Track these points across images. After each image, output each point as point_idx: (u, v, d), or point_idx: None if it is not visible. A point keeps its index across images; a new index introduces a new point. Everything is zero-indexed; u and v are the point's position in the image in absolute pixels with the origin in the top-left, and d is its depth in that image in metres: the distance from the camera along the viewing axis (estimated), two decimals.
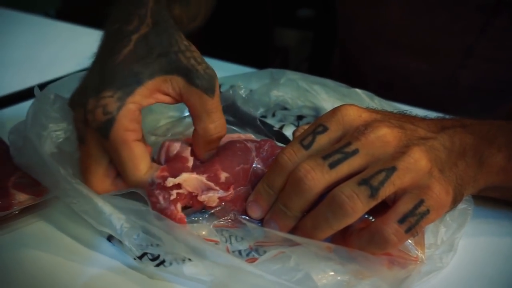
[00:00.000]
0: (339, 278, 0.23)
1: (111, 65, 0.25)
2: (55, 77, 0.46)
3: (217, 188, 0.27)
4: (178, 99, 0.27)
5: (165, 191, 0.25)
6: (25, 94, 0.43)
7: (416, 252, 0.25)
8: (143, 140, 0.27)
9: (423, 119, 0.27)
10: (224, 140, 0.29)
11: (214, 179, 0.27)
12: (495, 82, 0.49)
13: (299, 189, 0.23)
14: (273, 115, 0.39)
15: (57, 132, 0.30)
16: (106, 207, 0.24)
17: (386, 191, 0.22)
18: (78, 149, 0.27)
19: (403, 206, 0.22)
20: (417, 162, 0.23)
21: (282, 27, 1.93)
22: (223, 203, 0.27)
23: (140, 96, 0.25)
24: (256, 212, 0.26)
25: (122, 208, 0.25)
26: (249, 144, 0.29)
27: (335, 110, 0.25)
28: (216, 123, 0.27)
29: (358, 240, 0.24)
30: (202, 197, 0.26)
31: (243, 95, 0.38)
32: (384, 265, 0.24)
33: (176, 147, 0.29)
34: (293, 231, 0.25)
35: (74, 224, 0.27)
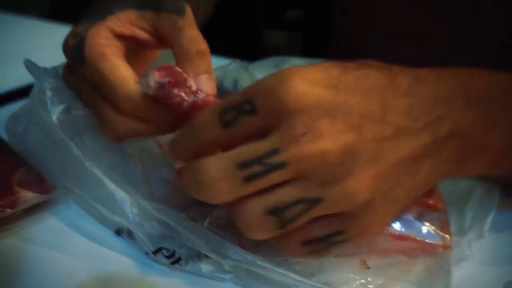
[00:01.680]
0: (368, 281, 0.22)
1: (89, 10, 0.26)
2: None
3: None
4: (154, 33, 0.25)
5: (183, 86, 0.21)
6: (17, 93, 0.41)
7: (444, 238, 0.23)
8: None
9: (412, 88, 0.20)
10: None
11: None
12: (485, 67, 0.49)
13: (196, 191, 0.19)
14: None
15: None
16: (118, 193, 0.23)
17: (298, 223, 0.19)
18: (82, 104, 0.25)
19: (316, 231, 0.19)
20: (352, 197, 0.18)
21: (271, 29, 1.94)
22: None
23: (111, 23, 0.24)
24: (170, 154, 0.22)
25: (135, 195, 0.24)
26: None
27: (274, 85, 0.18)
28: (190, 39, 0.23)
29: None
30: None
31: (247, 86, 0.37)
32: (411, 256, 0.23)
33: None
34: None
35: (82, 221, 0.26)
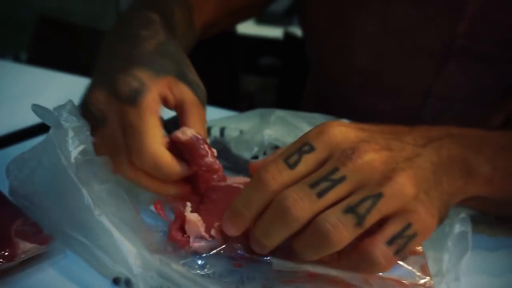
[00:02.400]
0: None
1: (137, 53, 0.29)
2: (34, 123, 0.45)
3: (210, 239, 0.27)
4: (176, 104, 0.30)
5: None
6: (6, 140, 0.42)
7: (425, 280, 0.26)
8: None
9: (410, 130, 0.27)
10: (224, 191, 0.30)
11: (208, 229, 0.27)
12: (450, 119, 0.54)
13: (285, 219, 0.22)
14: (264, 153, 0.40)
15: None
16: (124, 244, 0.24)
17: (372, 218, 0.22)
18: (95, 136, 0.27)
19: (391, 229, 0.23)
20: (403, 188, 0.23)
21: (246, 74, 2.01)
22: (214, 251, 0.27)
23: (161, 85, 0.28)
24: (229, 230, 0.25)
25: (139, 246, 0.24)
26: None
27: (322, 129, 0.25)
28: (203, 132, 0.30)
29: (348, 261, 0.24)
30: (195, 245, 0.27)
31: (234, 136, 0.39)
32: None
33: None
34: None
35: (80, 272, 0.26)
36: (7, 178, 0.29)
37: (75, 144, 0.27)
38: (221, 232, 0.27)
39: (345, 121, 0.29)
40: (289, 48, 1.67)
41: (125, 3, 2.26)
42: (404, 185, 0.23)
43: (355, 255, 0.23)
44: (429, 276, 0.26)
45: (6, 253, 0.24)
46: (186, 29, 0.44)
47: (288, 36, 1.62)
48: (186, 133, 0.27)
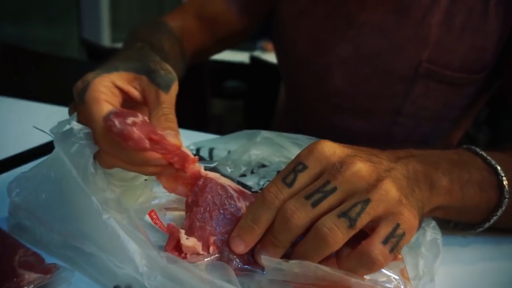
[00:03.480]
0: None
1: (101, 66, 0.32)
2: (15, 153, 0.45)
3: (205, 253, 0.29)
4: (143, 95, 0.32)
5: (121, 117, 0.27)
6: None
7: (405, 283, 0.28)
8: None
9: (382, 151, 0.31)
10: (218, 190, 0.31)
11: (205, 246, 0.29)
12: (419, 135, 0.60)
13: (287, 227, 0.26)
14: (252, 172, 0.42)
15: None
16: (130, 244, 0.25)
17: (363, 221, 0.26)
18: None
19: (384, 230, 0.26)
20: (388, 193, 0.27)
21: (214, 97, 2.04)
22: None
23: (114, 76, 0.31)
24: (239, 247, 0.28)
25: (145, 246, 0.26)
26: (239, 204, 0.31)
27: (312, 148, 0.29)
28: (166, 115, 0.31)
29: (347, 262, 0.27)
30: (193, 260, 0.28)
31: (223, 156, 0.42)
32: None
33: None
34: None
35: None
36: (8, 196, 0.30)
37: (85, 155, 0.28)
38: (217, 246, 0.29)
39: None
40: (255, 72, 1.73)
41: (88, 31, 2.24)
42: (388, 191, 0.27)
43: (354, 256, 0.26)
44: (408, 279, 0.29)
45: (12, 285, 0.25)
46: (176, 57, 0.48)
47: (254, 60, 1.67)
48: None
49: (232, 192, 0.32)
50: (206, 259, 0.28)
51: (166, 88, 0.31)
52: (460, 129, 0.65)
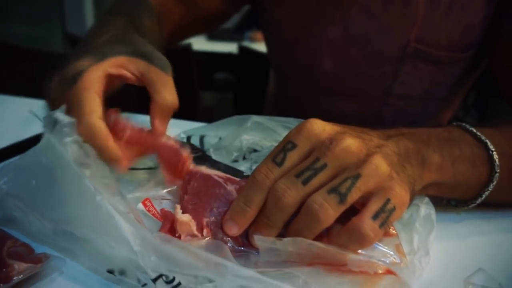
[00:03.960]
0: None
1: (91, 46, 0.33)
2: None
3: (199, 235, 0.29)
4: (140, 77, 0.32)
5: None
6: None
7: (401, 258, 0.28)
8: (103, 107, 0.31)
9: (372, 130, 0.31)
10: (204, 179, 0.32)
11: (199, 227, 0.29)
12: (409, 115, 0.60)
13: (279, 206, 0.26)
14: (244, 158, 0.42)
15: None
16: (124, 225, 0.25)
17: (353, 196, 0.26)
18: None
19: (374, 205, 0.26)
20: (378, 168, 0.27)
21: (203, 90, 2.03)
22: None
23: (107, 64, 0.31)
24: (232, 229, 0.28)
25: (139, 226, 0.26)
26: (229, 187, 0.31)
27: (301, 127, 0.28)
28: (172, 95, 0.32)
29: (338, 238, 0.27)
30: (187, 238, 0.28)
31: (214, 143, 0.41)
32: (379, 276, 0.27)
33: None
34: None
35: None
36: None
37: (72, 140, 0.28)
38: (211, 228, 0.29)
39: None
40: (244, 63, 1.72)
41: (72, 26, 2.20)
42: (378, 166, 0.27)
43: (345, 232, 0.26)
44: (403, 254, 0.29)
45: (2, 275, 0.24)
46: (155, 36, 0.48)
47: (242, 50, 1.66)
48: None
49: (218, 178, 0.32)
50: (200, 241, 0.28)
51: (167, 70, 0.32)
52: (449, 109, 0.66)
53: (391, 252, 0.28)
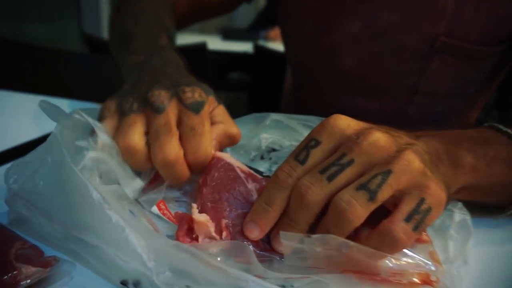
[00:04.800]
0: None
1: (185, 74, 0.36)
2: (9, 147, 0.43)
3: (218, 238, 0.27)
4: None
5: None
6: None
7: (437, 267, 0.26)
8: None
9: (399, 129, 0.29)
10: (226, 170, 0.30)
11: (218, 229, 0.27)
12: (435, 113, 0.57)
13: (303, 205, 0.24)
14: (262, 157, 0.40)
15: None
16: (135, 237, 0.23)
17: (384, 194, 0.24)
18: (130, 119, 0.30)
19: (407, 206, 0.24)
20: (411, 164, 0.25)
21: (216, 90, 2.01)
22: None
23: (211, 102, 0.33)
24: (253, 231, 0.26)
25: (153, 241, 0.24)
26: (249, 185, 0.30)
27: (324, 123, 0.27)
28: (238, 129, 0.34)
29: (367, 242, 0.24)
30: (205, 241, 0.26)
31: None
32: (414, 286, 0.25)
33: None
34: None
35: None
36: (5, 183, 0.28)
37: (82, 143, 0.27)
38: (230, 231, 0.27)
39: None
40: (259, 62, 1.70)
41: (88, 26, 2.22)
42: (411, 161, 0.25)
43: (375, 236, 0.24)
44: (439, 263, 0.26)
45: (9, 279, 0.23)
46: (172, 31, 0.48)
47: (258, 49, 1.64)
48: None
49: (240, 173, 0.30)
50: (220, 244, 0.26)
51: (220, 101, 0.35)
52: (475, 108, 0.62)
53: (426, 260, 0.26)
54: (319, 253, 0.24)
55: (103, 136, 0.28)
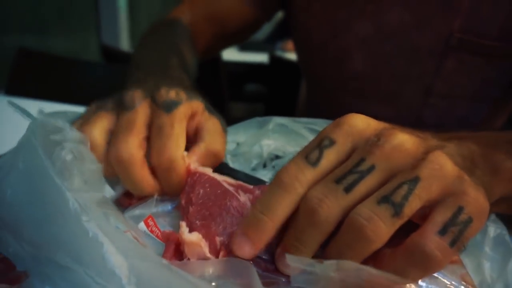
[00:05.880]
0: None
1: (164, 81, 0.32)
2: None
3: (212, 257, 0.23)
4: (195, 129, 0.31)
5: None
6: None
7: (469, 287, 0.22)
8: None
9: (423, 131, 0.25)
10: (212, 185, 0.26)
11: (213, 248, 0.23)
12: (454, 118, 0.53)
13: (313, 221, 0.20)
14: (264, 165, 0.36)
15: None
16: (115, 257, 0.19)
17: (412, 207, 0.19)
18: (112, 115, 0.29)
19: (441, 216, 0.19)
20: (443, 168, 0.20)
21: (233, 101, 2.00)
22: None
23: (194, 107, 0.30)
24: (243, 248, 0.21)
25: (136, 260, 0.20)
26: (242, 198, 0.26)
27: (340, 121, 0.22)
28: (222, 146, 0.31)
29: (392, 263, 0.20)
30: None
31: (231, 149, 0.36)
32: None
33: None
34: None
35: None
36: None
37: (61, 146, 0.23)
38: (226, 250, 0.23)
39: None
40: (275, 73, 1.68)
41: (107, 38, 2.27)
42: (443, 165, 0.20)
43: (402, 254, 0.19)
44: (474, 287, 0.22)
45: None
46: (193, 67, 0.49)
47: (273, 59, 1.62)
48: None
49: (228, 186, 0.26)
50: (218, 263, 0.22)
51: (225, 132, 0.33)
52: (501, 114, 0.57)
53: (459, 285, 0.22)
54: (333, 278, 0.20)
55: (73, 131, 0.26)
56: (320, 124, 0.35)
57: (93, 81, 1.06)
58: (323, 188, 0.20)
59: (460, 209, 0.19)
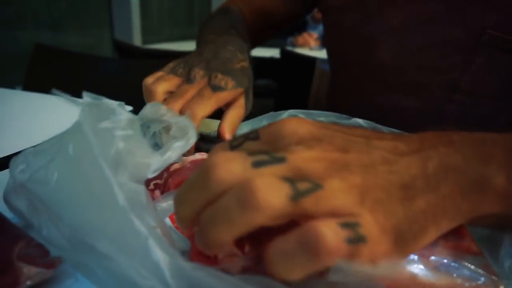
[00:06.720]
0: None
1: (231, 67, 0.41)
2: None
3: (241, 253, 0.22)
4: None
5: None
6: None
7: (492, 279, 0.22)
8: None
9: (395, 137, 0.22)
10: None
11: (239, 243, 0.22)
12: (476, 116, 0.52)
13: (205, 179, 0.19)
14: None
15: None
16: (157, 250, 0.19)
17: (309, 202, 0.18)
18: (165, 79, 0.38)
19: (340, 219, 0.18)
20: (342, 191, 0.19)
21: None
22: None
23: (236, 93, 0.39)
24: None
25: (172, 254, 0.20)
26: None
27: (275, 122, 0.22)
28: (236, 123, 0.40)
29: (282, 244, 0.18)
30: (225, 265, 0.21)
31: None
32: None
33: None
34: None
35: None
36: (10, 172, 0.25)
37: (111, 134, 0.23)
38: (255, 246, 0.22)
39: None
40: (286, 67, 1.67)
41: (120, 33, 2.29)
42: (341, 189, 0.19)
43: (293, 236, 0.17)
44: (496, 276, 0.22)
45: (9, 280, 0.21)
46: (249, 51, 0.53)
47: (285, 53, 1.62)
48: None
49: None
50: (242, 264, 0.22)
51: (248, 110, 0.43)
52: None
53: (479, 272, 0.22)
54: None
55: (125, 113, 0.26)
56: (331, 117, 0.35)
57: (106, 75, 1.08)
58: (233, 153, 0.19)
59: (356, 224, 0.18)
